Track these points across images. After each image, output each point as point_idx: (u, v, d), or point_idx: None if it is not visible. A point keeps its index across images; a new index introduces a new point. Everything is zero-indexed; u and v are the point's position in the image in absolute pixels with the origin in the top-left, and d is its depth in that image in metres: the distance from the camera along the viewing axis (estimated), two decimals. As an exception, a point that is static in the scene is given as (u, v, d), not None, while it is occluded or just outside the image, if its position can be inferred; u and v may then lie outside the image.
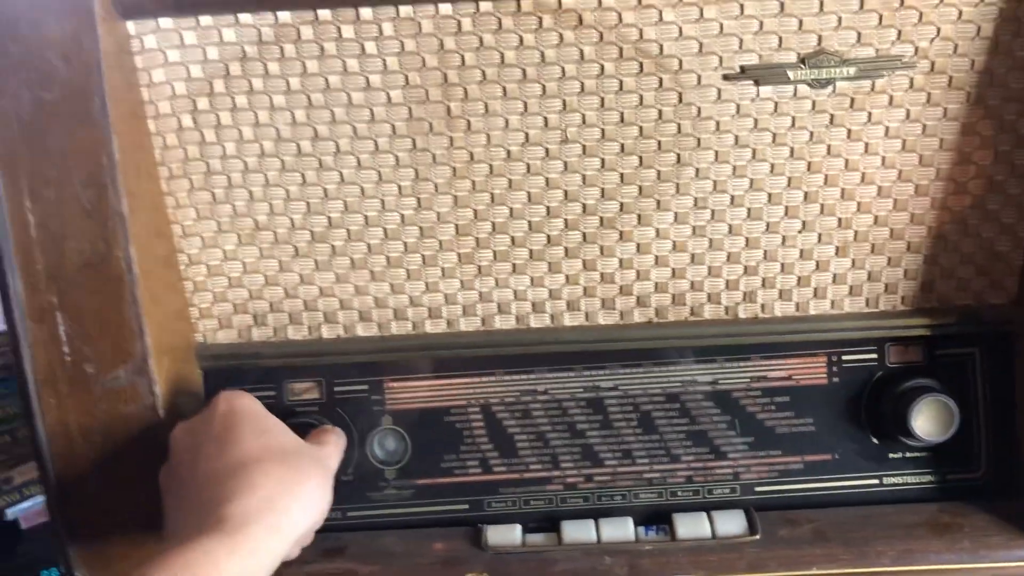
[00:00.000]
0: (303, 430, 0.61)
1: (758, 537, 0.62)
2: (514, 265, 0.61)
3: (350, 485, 0.64)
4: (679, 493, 0.65)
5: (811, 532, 0.62)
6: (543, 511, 0.65)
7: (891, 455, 0.65)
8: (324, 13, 0.54)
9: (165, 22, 0.54)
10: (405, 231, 0.60)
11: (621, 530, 0.63)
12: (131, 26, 0.54)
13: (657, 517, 0.65)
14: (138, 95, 0.55)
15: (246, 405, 0.56)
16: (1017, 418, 0.64)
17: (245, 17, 0.54)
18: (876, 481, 0.65)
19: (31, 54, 0.50)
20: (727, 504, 0.65)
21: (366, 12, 0.54)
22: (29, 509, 0.89)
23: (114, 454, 0.56)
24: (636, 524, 0.64)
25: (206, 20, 0.54)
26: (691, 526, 0.63)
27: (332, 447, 0.60)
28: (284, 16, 0.54)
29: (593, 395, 0.64)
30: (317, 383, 0.64)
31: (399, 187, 0.59)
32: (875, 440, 0.65)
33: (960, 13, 0.55)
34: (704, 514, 0.64)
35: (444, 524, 0.65)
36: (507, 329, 0.63)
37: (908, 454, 0.65)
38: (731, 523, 0.63)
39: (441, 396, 0.65)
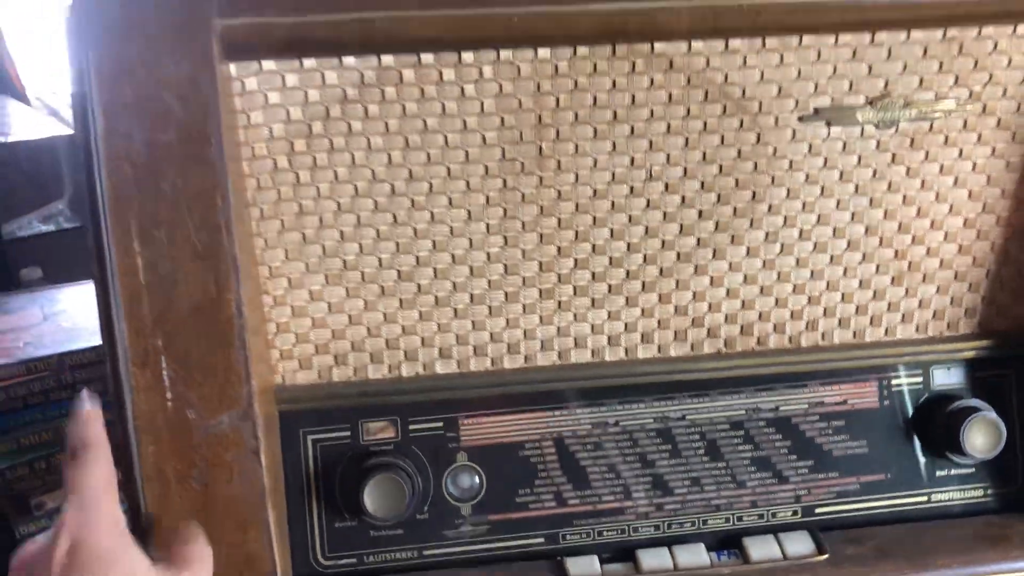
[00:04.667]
0: (378, 472, 0.61)
1: (827, 556, 0.64)
2: (593, 300, 0.63)
3: (426, 524, 0.64)
4: (745, 518, 0.67)
5: (875, 549, 0.65)
6: (617, 541, 0.66)
7: (939, 472, 0.69)
8: (427, 57, 0.55)
9: (268, 64, 0.54)
10: (490, 268, 0.61)
11: (695, 556, 0.65)
12: (233, 68, 0.54)
13: (727, 542, 0.66)
14: (236, 137, 0.55)
15: (92, 544, 0.48)
16: (1050, 434, 0.69)
17: (349, 60, 0.55)
18: (925, 498, 0.69)
19: (147, 96, 0.49)
20: (791, 526, 0.67)
21: (468, 56, 0.55)
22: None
23: (211, 501, 0.54)
24: (708, 550, 0.65)
25: (310, 63, 0.54)
26: (762, 549, 0.65)
27: (197, 564, 0.53)
28: (387, 59, 0.55)
29: (662, 425, 0.66)
30: (392, 422, 0.64)
31: (487, 225, 0.60)
32: (923, 459, 0.68)
33: (1010, 60, 0.59)
34: (772, 536, 0.66)
35: (520, 559, 0.65)
36: (583, 363, 0.64)
37: (954, 471, 0.69)
38: (799, 544, 0.65)
39: (515, 431, 0.65)
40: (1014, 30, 0.58)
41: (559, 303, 0.63)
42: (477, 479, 0.65)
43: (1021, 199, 0.63)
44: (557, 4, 0.53)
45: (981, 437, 0.66)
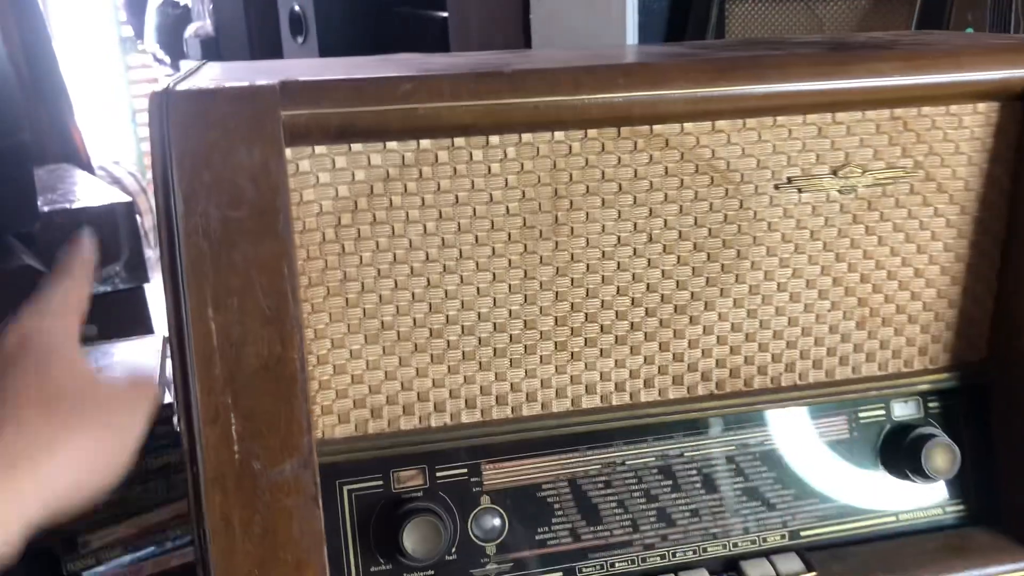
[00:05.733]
0: (415, 515, 0.67)
1: (816, 574, 0.72)
2: (602, 350, 0.70)
3: (455, 564, 0.70)
4: (740, 544, 0.74)
5: (859, 564, 0.73)
6: (628, 572, 0.72)
7: (903, 494, 0.77)
8: (459, 141, 0.63)
9: (320, 149, 0.61)
10: (511, 324, 0.68)
11: (700, 581, 0.72)
12: (289, 152, 0.60)
13: (726, 566, 0.73)
14: (289, 212, 0.61)
15: (40, 338, 0.50)
16: (995, 456, 0.78)
17: (392, 144, 0.62)
18: (894, 518, 0.77)
19: (222, 179, 0.56)
20: (781, 549, 0.75)
21: (494, 139, 0.63)
22: (104, 573, 0.89)
23: (273, 544, 0.59)
24: (711, 574, 0.72)
25: (357, 147, 0.61)
26: (758, 570, 0.72)
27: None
28: (425, 143, 0.62)
29: (663, 463, 0.73)
30: (421, 470, 0.70)
31: (509, 285, 0.67)
32: (889, 482, 0.77)
33: (944, 134, 0.70)
34: (765, 559, 0.73)
35: (541, 592, 0.71)
36: (592, 407, 0.71)
37: (915, 492, 0.77)
38: (790, 564, 0.73)
39: (533, 474, 0.72)
40: (947, 110, 0.69)
41: (572, 354, 0.70)
42: (499, 520, 0.71)
43: (958, 253, 0.74)
44: (573, 95, 0.61)
45: (940, 459, 0.74)
